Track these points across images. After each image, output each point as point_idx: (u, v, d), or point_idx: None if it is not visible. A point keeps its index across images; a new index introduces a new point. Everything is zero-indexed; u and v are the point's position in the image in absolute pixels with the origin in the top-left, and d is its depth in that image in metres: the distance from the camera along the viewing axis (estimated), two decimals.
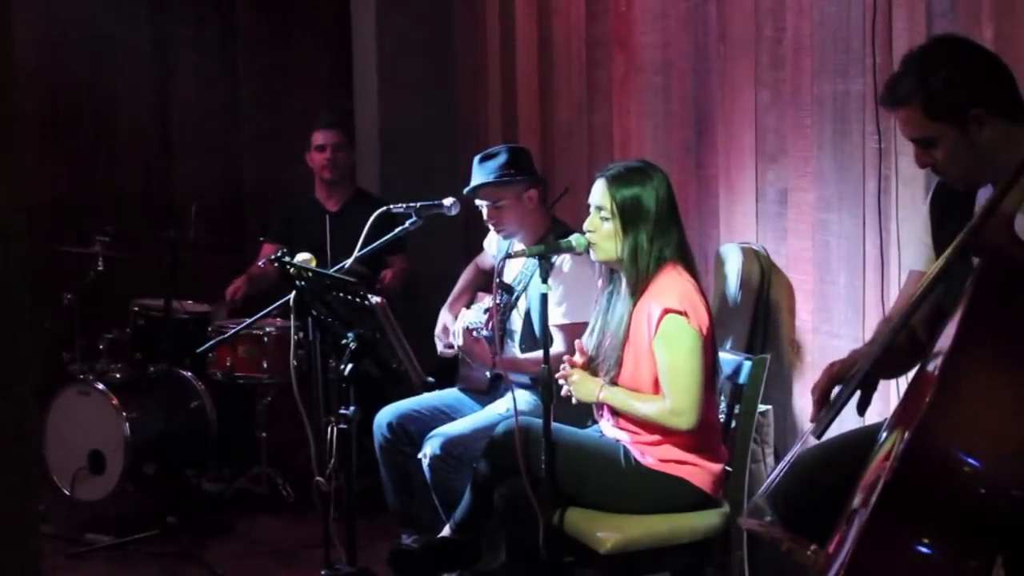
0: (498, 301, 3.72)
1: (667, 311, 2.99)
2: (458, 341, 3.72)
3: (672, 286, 3.04)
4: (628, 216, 3.07)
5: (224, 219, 5.75)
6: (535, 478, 3.01)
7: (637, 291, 3.08)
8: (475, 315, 3.80)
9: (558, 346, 3.62)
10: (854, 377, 2.35)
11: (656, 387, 3.05)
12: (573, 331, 3.58)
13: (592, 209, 3.14)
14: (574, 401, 3.18)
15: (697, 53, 3.91)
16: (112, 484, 4.30)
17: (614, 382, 3.11)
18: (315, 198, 4.97)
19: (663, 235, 3.09)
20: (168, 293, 4.30)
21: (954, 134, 2.30)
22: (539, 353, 3.10)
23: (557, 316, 3.63)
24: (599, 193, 3.12)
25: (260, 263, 4.84)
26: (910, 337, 2.42)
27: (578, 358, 3.19)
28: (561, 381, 3.15)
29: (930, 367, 2.00)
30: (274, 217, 5.11)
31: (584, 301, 3.55)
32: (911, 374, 2.44)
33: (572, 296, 3.65)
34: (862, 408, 2.39)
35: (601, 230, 3.11)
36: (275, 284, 4.48)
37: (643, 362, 3.06)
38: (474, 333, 3.70)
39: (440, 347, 3.93)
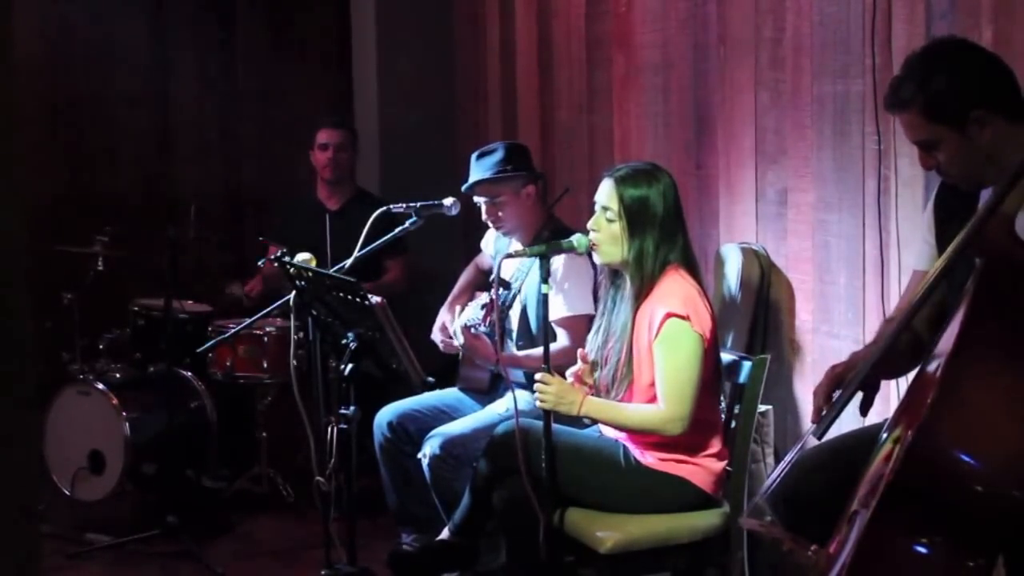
0: (495, 297, 3.72)
1: (669, 315, 2.98)
2: (459, 340, 3.72)
3: (675, 290, 3.03)
4: (635, 218, 3.06)
5: (224, 219, 5.74)
6: (535, 478, 3.01)
7: (641, 294, 3.07)
8: (472, 312, 3.80)
9: (561, 340, 3.62)
10: (855, 378, 2.35)
11: (652, 389, 3.04)
12: (574, 324, 3.59)
13: (598, 208, 3.12)
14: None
15: (697, 53, 3.91)
16: (112, 484, 4.30)
17: (627, 389, 3.09)
18: (315, 197, 4.97)
19: (668, 239, 3.07)
20: (168, 293, 4.30)
21: (956, 136, 2.30)
22: (541, 350, 3.09)
23: (557, 310, 3.64)
24: (606, 193, 3.11)
25: (260, 263, 4.84)
26: (913, 338, 2.42)
27: (581, 366, 3.13)
28: (537, 390, 3.03)
29: (931, 368, 2.00)
30: (274, 216, 5.11)
31: (581, 293, 3.55)
32: (912, 374, 2.43)
33: (568, 289, 3.65)
34: (864, 409, 2.39)
35: (606, 230, 3.09)
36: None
37: (644, 365, 3.05)
38: (472, 330, 3.70)
39: (440, 344, 3.93)
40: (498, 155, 3.78)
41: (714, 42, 3.81)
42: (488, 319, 3.66)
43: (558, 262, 3.66)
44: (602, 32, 4.47)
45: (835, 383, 2.42)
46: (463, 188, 3.83)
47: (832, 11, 3.27)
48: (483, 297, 3.88)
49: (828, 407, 2.40)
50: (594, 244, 3.10)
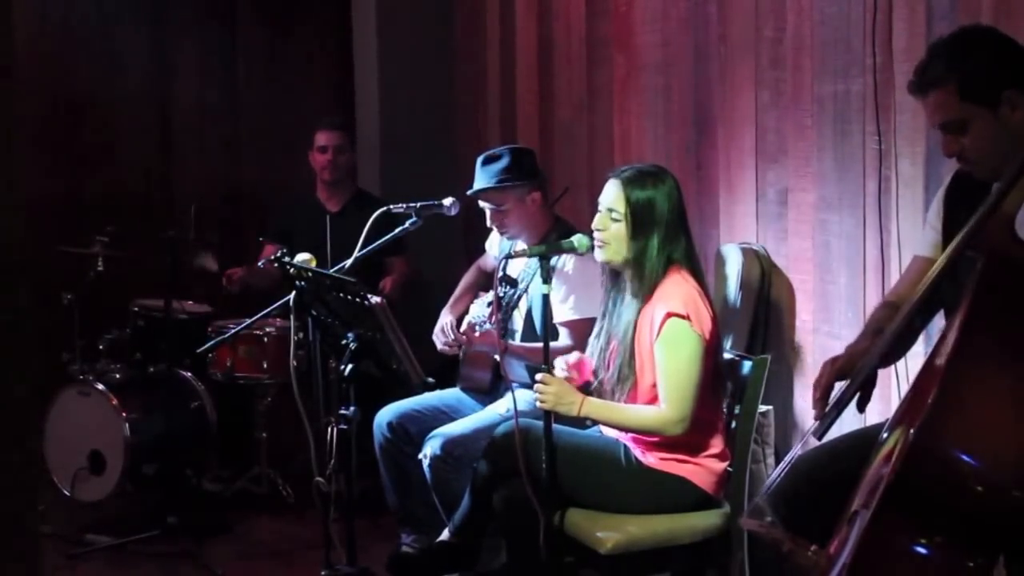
0: (501, 294, 3.72)
1: (670, 315, 2.98)
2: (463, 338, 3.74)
3: (676, 291, 3.04)
4: (640, 219, 3.06)
5: (224, 219, 5.74)
6: (535, 479, 3.01)
7: (643, 295, 3.07)
8: (479, 309, 3.80)
9: (565, 342, 3.62)
10: (857, 377, 2.35)
11: (655, 390, 3.04)
12: (580, 327, 3.58)
13: (603, 209, 3.13)
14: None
15: (697, 53, 3.91)
16: (112, 484, 4.30)
17: (631, 390, 3.09)
18: (316, 198, 4.97)
19: (671, 240, 3.08)
20: (168, 293, 4.30)
21: (987, 116, 2.30)
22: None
23: (564, 312, 3.64)
24: (612, 195, 3.11)
25: (260, 263, 4.84)
26: (907, 325, 2.42)
27: (561, 372, 3.13)
28: (538, 391, 3.05)
29: (931, 368, 2.00)
30: (274, 217, 5.11)
31: (590, 297, 3.55)
32: (912, 374, 2.43)
33: (578, 292, 3.66)
34: (862, 405, 2.39)
35: (610, 230, 3.09)
36: (275, 282, 4.47)
37: (646, 366, 3.06)
38: (477, 328, 3.69)
39: (439, 345, 3.92)
40: (503, 162, 3.77)
41: (714, 42, 3.81)
42: (493, 317, 3.66)
43: (570, 264, 3.67)
44: (602, 32, 4.47)
45: (835, 378, 2.42)
46: (468, 192, 3.83)
47: (832, 11, 3.27)
48: (489, 295, 3.88)
49: (828, 406, 2.40)
50: (598, 243, 3.11)
